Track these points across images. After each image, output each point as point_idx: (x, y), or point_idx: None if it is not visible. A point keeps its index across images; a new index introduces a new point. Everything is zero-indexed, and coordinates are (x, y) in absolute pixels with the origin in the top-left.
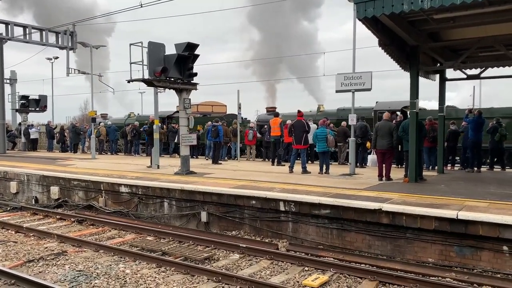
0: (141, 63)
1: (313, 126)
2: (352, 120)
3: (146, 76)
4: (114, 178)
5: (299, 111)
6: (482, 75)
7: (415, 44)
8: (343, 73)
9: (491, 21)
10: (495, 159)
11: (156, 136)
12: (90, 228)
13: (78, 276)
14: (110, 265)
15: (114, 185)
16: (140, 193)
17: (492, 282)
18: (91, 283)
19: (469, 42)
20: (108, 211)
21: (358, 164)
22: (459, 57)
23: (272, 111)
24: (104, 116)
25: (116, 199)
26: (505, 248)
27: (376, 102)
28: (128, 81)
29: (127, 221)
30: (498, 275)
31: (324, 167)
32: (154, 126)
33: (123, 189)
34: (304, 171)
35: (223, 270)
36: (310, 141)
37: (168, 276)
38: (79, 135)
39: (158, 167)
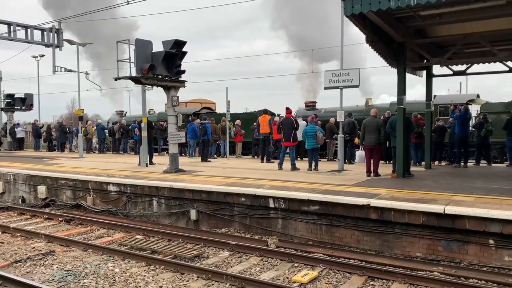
0: (128, 60)
1: (302, 123)
2: (340, 116)
3: (134, 74)
4: (102, 177)
5: (287, 108)
6: (468, 71)
7: (402, 41)
8: (331, 70)
9: (477, 18)
10: (482, 154)
11: (144, 134)
12: (78, 228)
13: (66, 276)
14: (99, 264)
15: (102, 184)
16: (129, 192)
17: (479, 275)
18: (80, 282)
19: (455, 38)
20: (96, 210)
21: (346, 160)
22: (446, 54)
23: (311, 106)
24: (120, 114)
25: (105, 198)
26: (491, 241)
27: (435, 96)
28: (115, 79)
29: (115, 220)
30: (485, 268)
31: (313, 163)
32: (142, 124)
33: (111, 187)
34: (293, 168)
35: (213, 267)
36: (299, 138)
37: (157, 275)
38: (66, 134)
39: (146, 166)
